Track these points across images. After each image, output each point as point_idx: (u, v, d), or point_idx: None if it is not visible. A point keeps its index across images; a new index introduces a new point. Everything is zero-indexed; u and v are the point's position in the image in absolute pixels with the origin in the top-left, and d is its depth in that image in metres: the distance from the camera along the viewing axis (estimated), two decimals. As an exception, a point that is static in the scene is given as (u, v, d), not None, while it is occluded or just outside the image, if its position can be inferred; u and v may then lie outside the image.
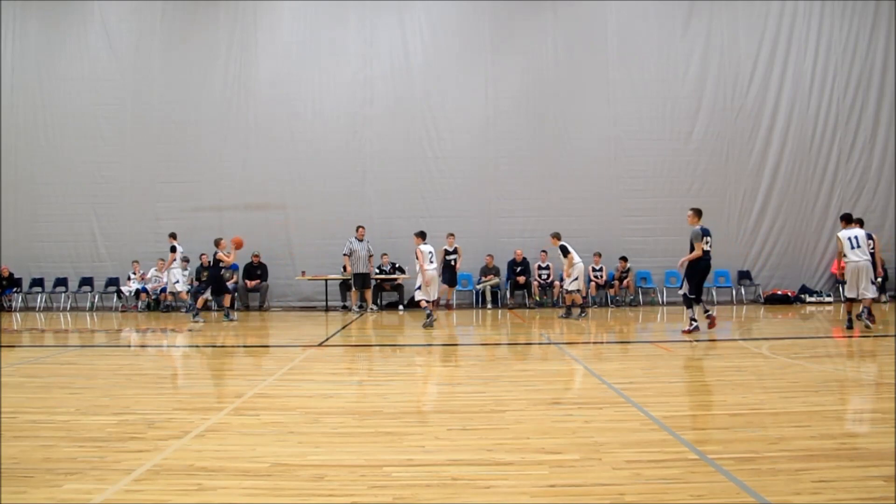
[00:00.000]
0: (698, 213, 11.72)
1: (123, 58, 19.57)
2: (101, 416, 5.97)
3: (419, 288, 13.49)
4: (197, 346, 11.68)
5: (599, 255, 18.17)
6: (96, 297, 18.99)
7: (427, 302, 13.53)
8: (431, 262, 13.51)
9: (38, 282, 19.20)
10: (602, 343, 11.69)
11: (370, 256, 17.50)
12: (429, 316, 13.19)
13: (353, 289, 17.36)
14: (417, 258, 13.53)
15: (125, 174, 19.32)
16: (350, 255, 17.27)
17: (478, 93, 19.29)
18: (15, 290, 18.92)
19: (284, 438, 5.18)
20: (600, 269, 18.22)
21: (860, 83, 19.26)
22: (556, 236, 15.13)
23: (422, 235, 13.82)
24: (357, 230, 17.40)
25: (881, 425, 5.37)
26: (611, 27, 19.33)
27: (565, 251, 14.68)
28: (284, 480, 4.22)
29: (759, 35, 19.26)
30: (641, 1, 19.21)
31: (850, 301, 11.90)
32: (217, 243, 14.96)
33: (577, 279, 14.77)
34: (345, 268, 17.59)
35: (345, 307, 18.22)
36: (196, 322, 14.70)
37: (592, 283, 18.15)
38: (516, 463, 4.50)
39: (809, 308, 17.20)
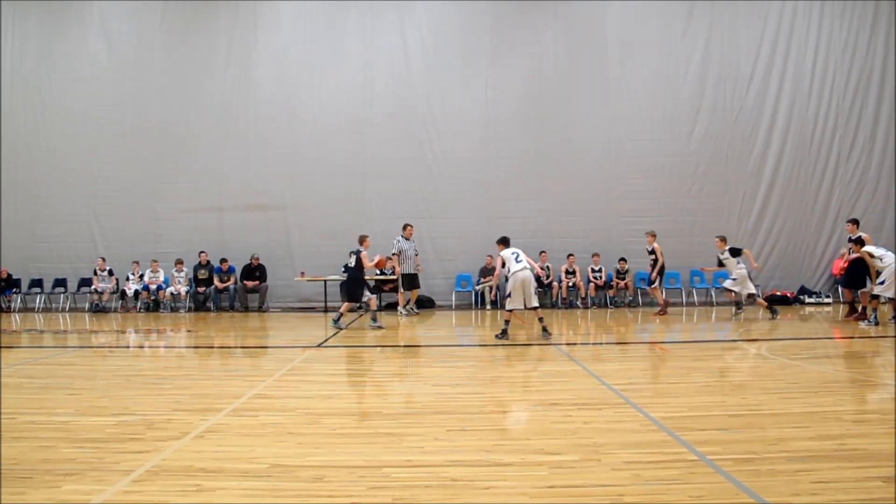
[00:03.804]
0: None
1: (123, 58, 19.55)
2: (100, 416, 5.97)
3: (509, 295, 11.39)
4: (196, 347, 11.69)
5: (598, 256, 18.18)
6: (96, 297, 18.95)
7: (510, 311, 11.51)
8: (519, 260, 11.39)
9: (37, 283, 19.19)
10: (601, 344, 11.68)
11: (416, 255, 16.85)
12: (504, 332, 11.39)
13: (402, 290, 16.73)
14: (501, 266, 11.68)
15: (124, 175, 19.28)
16: (399, 254, 16.46)
17: (478, 94, 19.28)
18: (14, 290, 18.91)
19: (283, 439, 5.18)
20: (599, 270, 18.22)
21: (860, 83, 19.28)
22: (723, 239, 15.17)
23: (504, 242, 11.96)
24: (405, 229, 16.48)
25: (880, 426, 5.37)
26: (611, 28, 19.33)
27: (736, 253, 14.88)
28: (283, 481, 4.22)
29: (758, 35, 19.27)
30: (642, 1, 19.23)
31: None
32: (361, 241, 13.47)
33: (735, 279, 14.85)
34: (393, 269, 16.76)
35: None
36: (376, 327, 13.36)
37: (592, 284, 18.15)
38: (516, 464, 4.50)
39: (808, 309, 17.20)
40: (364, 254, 13.25)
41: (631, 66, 19.30)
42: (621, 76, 19.28)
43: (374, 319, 13.52)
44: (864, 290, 13.47)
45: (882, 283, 12.55)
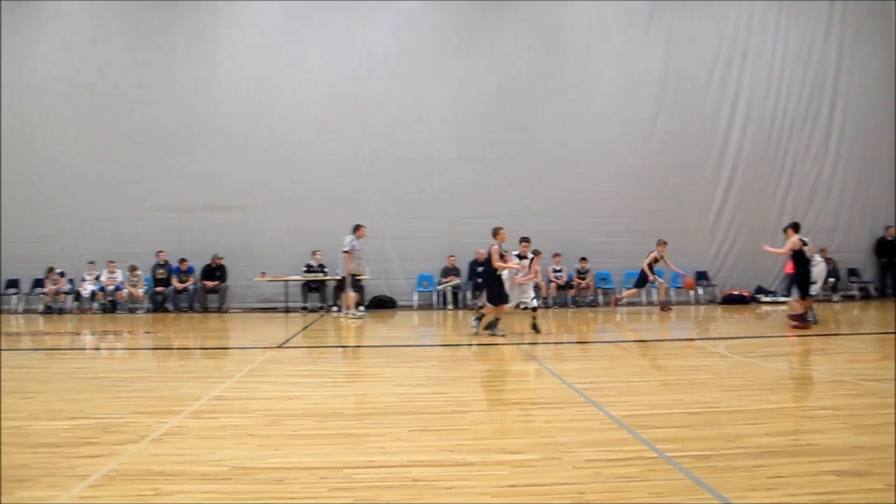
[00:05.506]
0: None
1: (80, 57, 18.92)
2: (54, 420, 5.84)
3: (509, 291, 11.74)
4: (154, 349, 11.51)
5: (560, 256, 18.31)
6: (66, 298, 18.47)
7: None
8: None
9: (-12, 283, 18.67)
10: (562, 343, 11.76)
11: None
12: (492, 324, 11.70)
13: (349, 291, 15.91)
14: (503, 258, 11.41)
15: (84, 174, 18.77)
16: (350, 252, 15.57)
17: (443, 95, 19.21)
18: (-36, 292, 18.38)
19: (244, 441, 5.12)
20: (560, 270, 18.35)
21: (815, 87, 19.85)
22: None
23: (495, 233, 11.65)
24: (359, 229, 15.67)
25: (833, 421, 5.50)
26: (570, 30, 19.56)
27: None
28: (244, 484, 4.17)
29: (717, 39, 19.67)
30: (602, 2, 19.42)
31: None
32: (495, 233, 11.70)
33: None
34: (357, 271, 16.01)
35: (304, 308, 18.03)
36: (494, 334, 11.71)
37: (553, 284, 18.26)
38: (477, 463, 4.51)
39: (765, 308, 17.53)
40: (495, 248, 11.44)
41: (591, 68, 19.50)
42: (584, 77, 19.46)
43: (479, 321, 11.92)
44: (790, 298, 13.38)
45: (814, 282, 13.33)
